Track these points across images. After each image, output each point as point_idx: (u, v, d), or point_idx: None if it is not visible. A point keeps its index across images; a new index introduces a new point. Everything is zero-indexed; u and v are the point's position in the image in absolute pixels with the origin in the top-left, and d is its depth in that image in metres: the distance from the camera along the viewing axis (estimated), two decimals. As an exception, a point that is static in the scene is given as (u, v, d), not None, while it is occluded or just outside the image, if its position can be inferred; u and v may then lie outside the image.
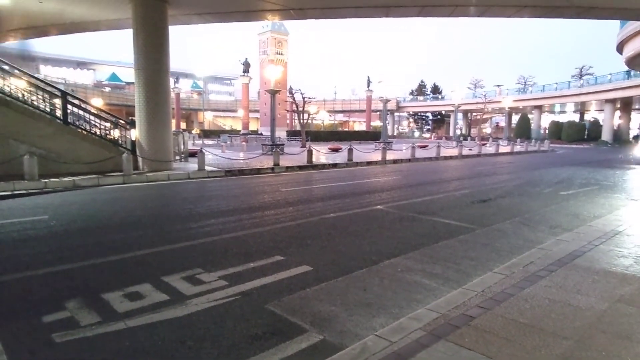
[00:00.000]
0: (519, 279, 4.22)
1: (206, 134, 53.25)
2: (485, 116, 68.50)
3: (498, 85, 64.58)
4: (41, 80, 14.40)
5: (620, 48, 27.38)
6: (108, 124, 14.25)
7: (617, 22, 25.14)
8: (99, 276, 4.66)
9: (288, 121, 61.63)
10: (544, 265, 4.66)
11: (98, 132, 13.74)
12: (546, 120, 66.84)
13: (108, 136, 14.03)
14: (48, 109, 12.97)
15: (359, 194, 10.78)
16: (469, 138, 57.09)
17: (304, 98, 34.97)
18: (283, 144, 27.00)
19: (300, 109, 34.67)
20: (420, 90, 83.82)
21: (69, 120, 13.13)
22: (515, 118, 65.17)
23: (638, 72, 40.14)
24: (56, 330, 3.38)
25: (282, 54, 55.90)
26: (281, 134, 45.05)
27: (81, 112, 13.85)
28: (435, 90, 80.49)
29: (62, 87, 15.91)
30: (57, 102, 13.20)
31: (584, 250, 5.25)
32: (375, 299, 4.03)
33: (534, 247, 5.60)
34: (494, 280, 4.18)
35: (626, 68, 33.97)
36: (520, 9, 14.33)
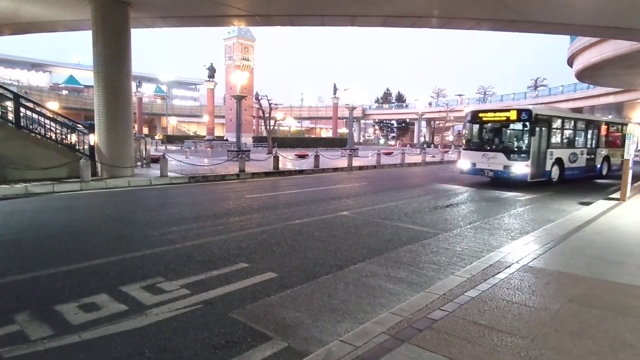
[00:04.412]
0: (478, 282, 4.35)
1: (170, 139, 51.90)
2: (447, 124, 70.68)
3: (460, 95, 66.97)
4: (-9, 82, 13.64)
5: (570, 61, 28.93)
6: (65, 129, 13.66)
7: (567, 37, 26.60)
8: (52, 287, 4.42)
9: (254, 127, 61.20)
10: (502, 267, 4.84)
11: (54, 137, 13.13)
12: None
13: (64, 141, 13.44)
14: (-1, 112, 12.30)
15: (325, 200, 10.82)
16: (432, 145, 58.65)
17: (270, 104, 34.86)
18: (249, 150, 26.78)
19: (267, 115, 34.53)
20: (385, 98, 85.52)
21: (22, 124, 12.49)
22: (475, 126, 67.45)
23: (586, 85, 42.68)
24: (4, 345, 3.18)
25: (248, 60, 55.66)
26: (247, 140, 44.67)
27: (35, 116, 13.21)
28: (400, 98, 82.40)
29: (14, 89, 15.13)
30: (9, 104, 12.54)
31: (539, 252, 5.49)
32: (340, 305, 4.04)
33: (493, 250, 5.81)
34: (455, 284, 4.30)
35: (576, 80, 36.02)
36: (479, 21, 14.93)
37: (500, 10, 13.01)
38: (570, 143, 15.96)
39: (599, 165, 17.58)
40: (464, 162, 15.35)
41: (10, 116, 12.41)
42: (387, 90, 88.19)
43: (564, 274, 4.66)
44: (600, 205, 9.70)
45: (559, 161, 14.90)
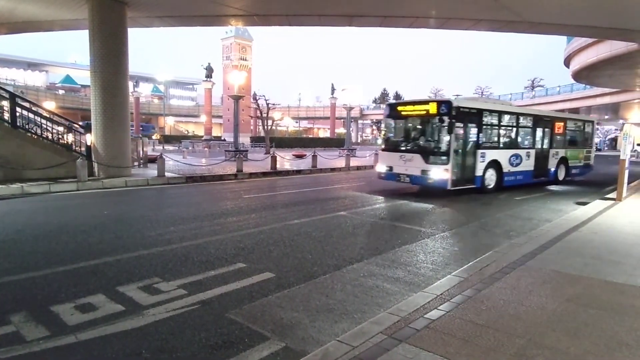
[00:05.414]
0: (475, 282, 4.36)
1: (167, 139, 51.85)
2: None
3: (456, 95, 66.99)
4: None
5: (567, 62, 29.07)
6: (61, 128, 13.62)
7: (564, 38, 26.74)
8: (47, 288, 4.40)
9: (252, 127, 61.17)
10: (499, 267, 4.84)
11: (50, 137, 13.09)
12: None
13: (61, 141, 13.40)
14: (-6, 112, 12.26)
15: (323, 200, 10.82)
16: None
17: (268, 104, 34.85)
18: (247, 150, 26.79)
19: (265, 115, 34.51)
20: (383, 98, 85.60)
21: (18, 124, 12.45)
22: (473, 127, 67.68)
23: (582, 85, 42.90)
24: (0, 346, 3.17)
25: (246, 60, 55.63)
26: (245, 140, 44.68)
27: (32, 116, 13.17)
28: (397, 98, 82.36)
29: (11, 89, 15.07)
30: (5, 104, 12.49)
31: (536, 252, 5.50)
32: (337, 305, 4.04)
33: (490, 250, 5.81)
34: (453, 283, 4.30)
35: (573, 81, 36.20)
36: (476, 22, 14.99)
37: (498, 11, 13.06)
38: (512, 142, 13.35)
39: (553, 169, 15.01)
40: (381, 165, 12.93)
41: (7, 116, 12.36)
42: (385, 90, 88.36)
43: (561, 274, 4.68)
44: (596, 205, 9.73)
45: (495, 164, 12.39)
